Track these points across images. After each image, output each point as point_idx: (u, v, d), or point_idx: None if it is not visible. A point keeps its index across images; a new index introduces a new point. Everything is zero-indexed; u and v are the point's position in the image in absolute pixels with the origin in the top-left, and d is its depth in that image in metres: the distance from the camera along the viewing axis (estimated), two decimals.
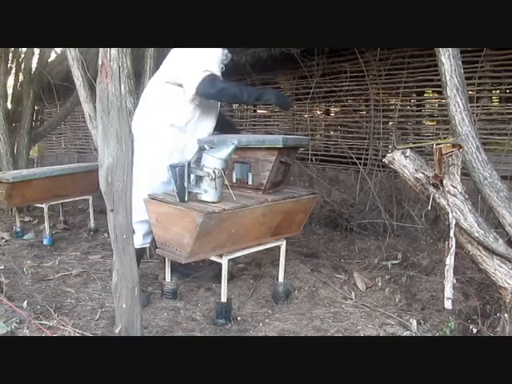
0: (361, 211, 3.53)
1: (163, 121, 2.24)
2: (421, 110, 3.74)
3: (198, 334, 1.90)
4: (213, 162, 1.88)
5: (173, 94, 2.18)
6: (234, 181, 2.15)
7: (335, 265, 2.74)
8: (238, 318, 2.04)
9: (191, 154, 2.31)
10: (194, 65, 2.10)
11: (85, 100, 2.80)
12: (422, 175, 1.58)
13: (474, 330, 1.83)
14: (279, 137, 2.05)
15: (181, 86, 2.14)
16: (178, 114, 2.22)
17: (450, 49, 1.64)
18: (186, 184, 1.87)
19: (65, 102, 4.68)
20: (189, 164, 1.88)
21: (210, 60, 2.11)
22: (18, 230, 3.33)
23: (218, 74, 2.13)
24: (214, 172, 1.86)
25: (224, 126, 2.49)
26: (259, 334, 1.90)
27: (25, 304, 2.10)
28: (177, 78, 2.16)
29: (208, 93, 2.10)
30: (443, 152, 1.50)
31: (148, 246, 2.45)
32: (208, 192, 1.89)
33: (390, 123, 3.60)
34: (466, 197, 1.59)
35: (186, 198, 1.88)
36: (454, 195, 1.57)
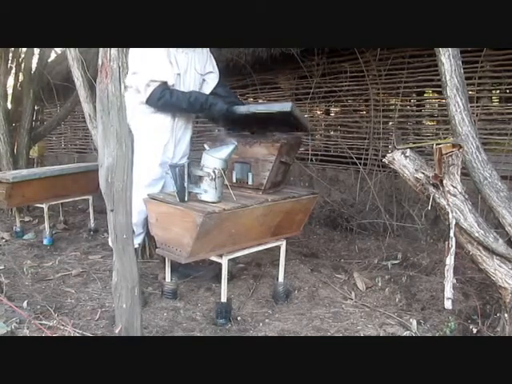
0: (361, 211, 3.53)
1: (139, 127, 2.28)
2: (421, 110, 3.73)
3: (198, 334, 1.90)
4: (213, 161, 1.88)
5: (135, 100, 2.22)
6: (234, 181, 2.15)
7: (335, 265, 2.74)
8: (238, 318, 2.04)
9: (171, 153, 2.34)
10: (142, 74, 2.15)
11: (85, 100, 2.79)
12: (422, 175, 1.58)
13: (474, 330, 1.83)
14: (288, 103, 2.03)
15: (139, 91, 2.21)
16: (148, 120, 2.26)
17: (449, 49, 1.64)
18: (186, 184, 1.87)
19: (65, 102, 4.68)
20: (189, 164, 1.88)
21: (156, 66, 2.13)
22: (18, 230, 3.33)
23: (168, 77, 2.16)
24: (214, 172, 1.86)
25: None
26: (259, 334, 1.90)
27: (25, 304, 2.10)
28: (134, 85, 2.21)
29: (156, 106, 2.20)
30: (443, 152, 1.50)
31: (137, 246, 2.47)
32: (208, 192, 1.89)
33: (390, 123, 3.60)
34: (466, 197, 1.59)
35: (186, 198, 1.88)
36: (454, 195, 1.57)
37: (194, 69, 2.31)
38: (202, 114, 2.41)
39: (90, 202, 3.45)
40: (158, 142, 2.30)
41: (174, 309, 2.12)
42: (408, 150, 1.61)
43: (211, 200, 1.89)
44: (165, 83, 2.16)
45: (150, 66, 2.13)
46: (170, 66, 2.17)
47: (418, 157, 1.62)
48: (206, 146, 2.04)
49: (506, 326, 1.68)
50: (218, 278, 2.13)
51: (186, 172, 1.86)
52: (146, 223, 2.42)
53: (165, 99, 2.16)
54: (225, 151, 1.90)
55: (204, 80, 2.41)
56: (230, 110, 2.13)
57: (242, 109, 2.14)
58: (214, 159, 1.88)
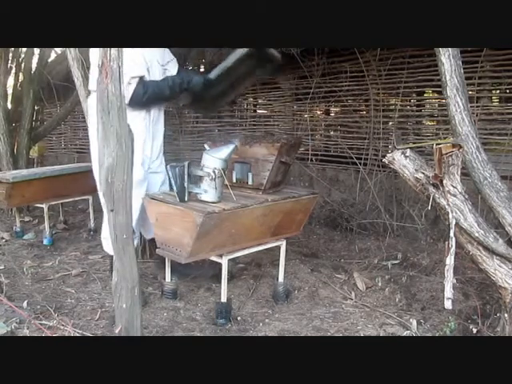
0: (361, 211, 3.53)
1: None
2: (421, 110, 3.73)
3: (198, 334, 1.90)
4: (213, 162, 1.88)
5: None
6: (234, 181, 2.16)
7: (335, 265, 2.73)
8: (238, 318, 2.04)
9: (149, 150, 2.36)
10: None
11: (85, 100, 2.79)
12: (422, 175, 1.58)
13: (474, 330, 1.83)
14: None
15: None
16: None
17: (449, 49, 1.64)
18: (186, 184, 1.87)
19: (65, 101, 4.68)
20: (189, 164, 1.88)
21: (133, 62, 2.12)
22: (18, 229, 3.33)
23: (144, 72, 2.18)
24: (214, 172, 1.86)
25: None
26: (259, 334, 1.90)
27: (25, 304, 2.10)
28: None
29: (140, 102, 2.19)
30: (443, 152, 1.50)
31: None
32: (208, 192, 1.89)
33: (390, 123, 3.59)
34: (466, 197, 1.59)
35: (186, 198, 1.88)
36: (454, 195, 1.57)
37: (156, 61, 2.33)
38: (183, 96, 2.38)
39: (90, 202, 3.45)
40: (136, 140, 2.29)
41: (173, 309, 2.12)
42: (408, 149, 1.61)
43: (211, 200, 1.89)
44: (142, 78, 2.18)
45: (128, 63, 2.12)
46: (143, 61, 2.19)
47: (418, 157, 1.62)
48: (206, 145, 2.05)
49: (506, 325, 1.68)
50: (217, 277, 2.13)
51: (185, 172, 1.86)
52: (138, 226, 2.41)
53: (149, 93, 2.17)
54: (225, 151, 1.90)
55: (166, 70, 2.42)
56: (207, 78, 2.16)
57: (216, 71, 2.15)
58: (214, 159, 1.88)
